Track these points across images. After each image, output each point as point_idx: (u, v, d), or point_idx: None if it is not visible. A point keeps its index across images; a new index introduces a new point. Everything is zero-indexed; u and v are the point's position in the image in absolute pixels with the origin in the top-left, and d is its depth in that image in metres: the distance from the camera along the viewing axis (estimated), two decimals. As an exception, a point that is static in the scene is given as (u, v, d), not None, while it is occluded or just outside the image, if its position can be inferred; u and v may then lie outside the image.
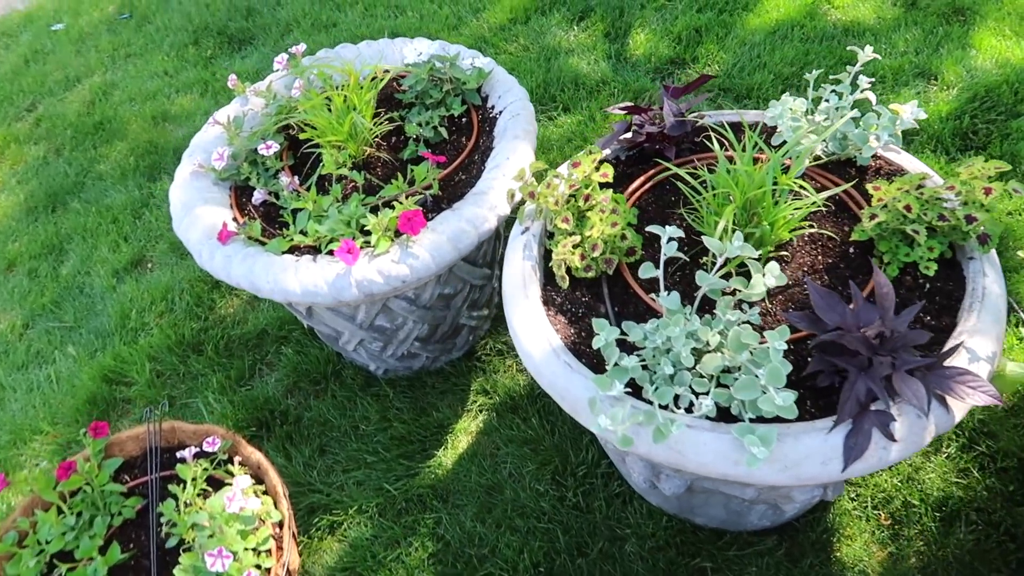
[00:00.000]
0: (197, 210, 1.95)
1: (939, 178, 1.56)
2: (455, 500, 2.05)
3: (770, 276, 1.33)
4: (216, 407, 2.33)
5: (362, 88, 1.96)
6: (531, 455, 2.10)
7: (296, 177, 2.05)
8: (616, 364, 1.37)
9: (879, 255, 1.51)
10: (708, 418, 1.34)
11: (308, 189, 2.00)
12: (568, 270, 1.59)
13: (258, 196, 2.02)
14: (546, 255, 1.69)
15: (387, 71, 2.06)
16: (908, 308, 1.32)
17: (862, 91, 1.71)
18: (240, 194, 2.07)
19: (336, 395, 2.32)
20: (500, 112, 2.06)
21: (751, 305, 1.42)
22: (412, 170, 1.94)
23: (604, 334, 1.38)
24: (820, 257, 1.57)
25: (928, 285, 1.49)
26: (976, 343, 1.37)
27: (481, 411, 2.24)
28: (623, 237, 1.53)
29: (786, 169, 1.57)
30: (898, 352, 1.31)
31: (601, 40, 3.36)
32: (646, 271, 1.40)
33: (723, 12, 3.34)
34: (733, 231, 1.46)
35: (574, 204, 1.59)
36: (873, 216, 1.44)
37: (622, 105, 1.81)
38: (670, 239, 1.40)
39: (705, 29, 3.27)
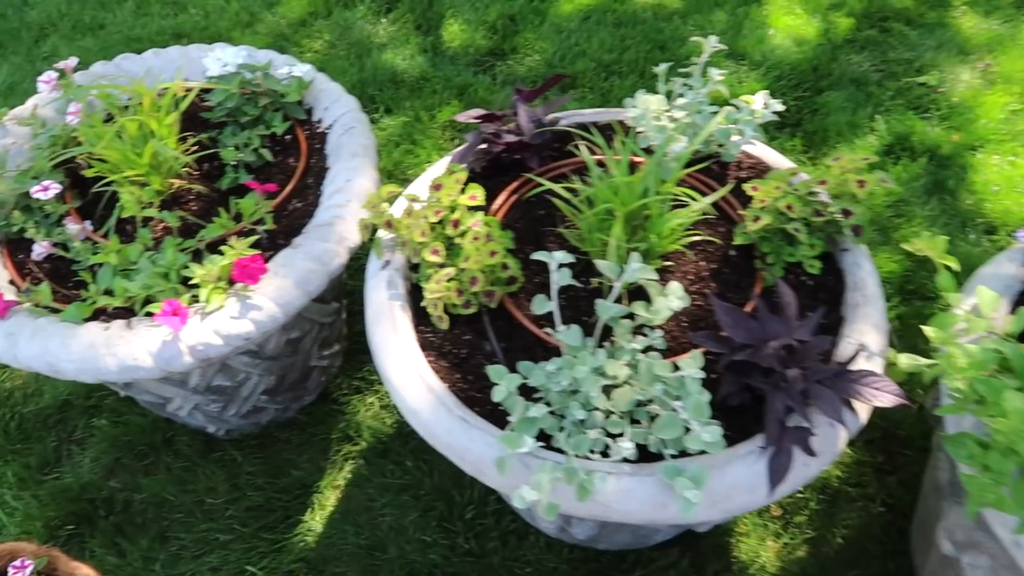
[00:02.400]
0: (-41, 278, 1.54)
1: (803, 172, 1.54)
2: (333, 569, 1.81)
3: (674, 298, 1.23)
4: (17, 507, 1.91)
5: (160, 110, 1.64)
6: (412, 503, 1.91)
7: (88, 222, 1.68)
8: (523, 416, 1.21)
9: (761, 255, 1.47)
10: (626, 460, 1.23)
11: (106, 236, 1.65)
12: (444, 308, 1.41)
13: (40, 250, 1.64)
14: (413, 290, 1.50)
15: (188, 88, 1.74)
16: (811, 316, 1.28)
17: (714, 83, 1.66)
18: (14, 250, 1.68)
19: (171, 467, 1.99)
20: (330, 126, 1.82)
21: (652, 329, 1.32)
22: (236, 202, 1.65)
23: (505, 383, 1.23)
24: (703, 263, 1.50)
25: (811, 282, 1.47)
26: (868, 339, 1.37)
27: (347, 460, 2.01)
28: (504, 266, 1.37)
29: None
30: (807, 363, 1.26)
31: (413, 33, 3.15)
32: (540, 305, 1.25)
33: (534, -1, 3.25)
34: (628, 250, 1.35)
35: (440, 232, 1.40)
36: (757, 218, 1.38)
37: (474, 113, 1.64)
38: (560, 266, 1.26)
39: (519, 17, 3.16)
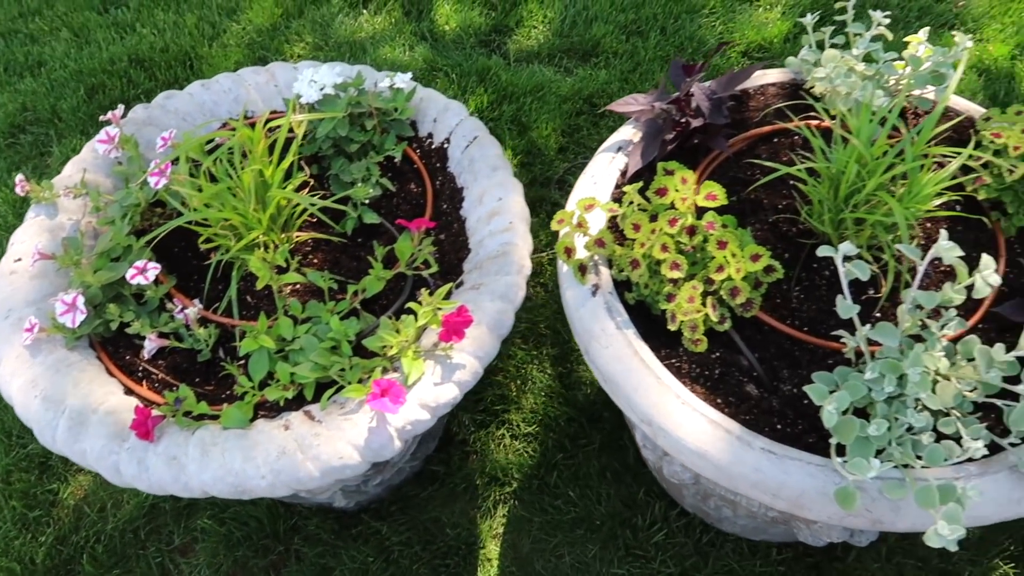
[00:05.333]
0: (72, 401, 1.24)
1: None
2: (535, 630, 1.62)
3: (989, 273, 1.09)
4: (144, 645, 1.62)
5: (272, 152, 1.36)
6: (589, 536, 1.73)
7: (196, 301, 1.40)
8: (858, 436, 1.06)
9: (996, 206, 1.35)
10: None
11: (229, 315, 1.37)
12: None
13: (151, 346, 1.34)
14: (631, 310, 1.30)
15: (293, 121, 1.45)
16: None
17: (878, 26, 1.52)
18: (114, 352, 1.37)
19: (305, 557, 1.73)
20: (446, 140, 1.57)
21: (946, 310, 1.18)
22: (376, 246, 1.40)
23: (834, 404, 1.06)
24: (930, 224, 1.37)
25: (1046, 225, 1.37)
26: None
27: (498, 505, 1.80)
28: (769, 269, 1.20)
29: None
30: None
31: (403, 20, 2.87)
32: (846, 309, 1.09)
33: (522, -34, 3.01)
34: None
35: (673, 241, 1.21)
36: (1012, 168, 1.26)
37: (632, 100, 1.44)
38: (847, 258, 1.10)
39: (515, -12, 2.92)
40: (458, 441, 1.90)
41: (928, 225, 1.37)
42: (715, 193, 1.20)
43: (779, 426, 1.19)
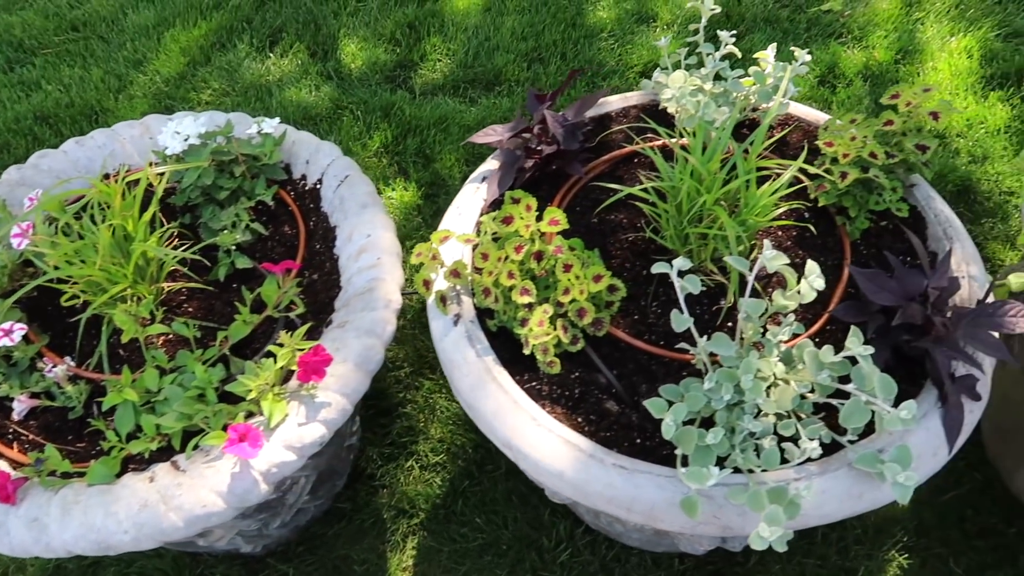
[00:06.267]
0: (-66, 470, 1.23)
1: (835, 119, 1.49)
2: (443, 661, 1.62)
3: (815, 278, 1.14)
4: None
5: (132, 207, 1.37)
6: (497, 561, 1.74)
7: (68, 358, 1.40)
8: (699, 445, 1.09)
9: (841, 211, 1.41)
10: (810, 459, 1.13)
11: (100, 370, 1.37)
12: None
13: (21, 407, 1.34)
14: (493, 337, 1.32)
15: (159, 173, 1.46)
16: (941, 260, 1.23)
17: (727, 46, 1.58)
18: (-15, 415, 1.37)
19: (213, 607, 1.72)
20: (319, 180, 1.60)
21: (785, 316, 1.22)
22: (249, 291, 1.42)
23: (671, 416, 1.09)
24: (782, 233, 1.42)
25: (890, 226, 1.43)
26: (972, 269, 1.33)
27: (407, 537, 1.81)
28: (612, 288, 1.23)
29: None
30: (946, 309, 1.21)
31: (309, 62, 2.90)
32: (680, 322, 1.13)
33: (425, 1, 3.07)
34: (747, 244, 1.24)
35: (525, 268, 1.24)
36: (844, 174, 1.31)
37: (491, 132, 1.48)
38: (681, 273, 1.14)
39: (418, 23, 2.97)
40: (366, 476, 1.90)
41: (779, 233, 1.42)
42: (557, 218, 1.24)
43: (638, 440, 1.22)
